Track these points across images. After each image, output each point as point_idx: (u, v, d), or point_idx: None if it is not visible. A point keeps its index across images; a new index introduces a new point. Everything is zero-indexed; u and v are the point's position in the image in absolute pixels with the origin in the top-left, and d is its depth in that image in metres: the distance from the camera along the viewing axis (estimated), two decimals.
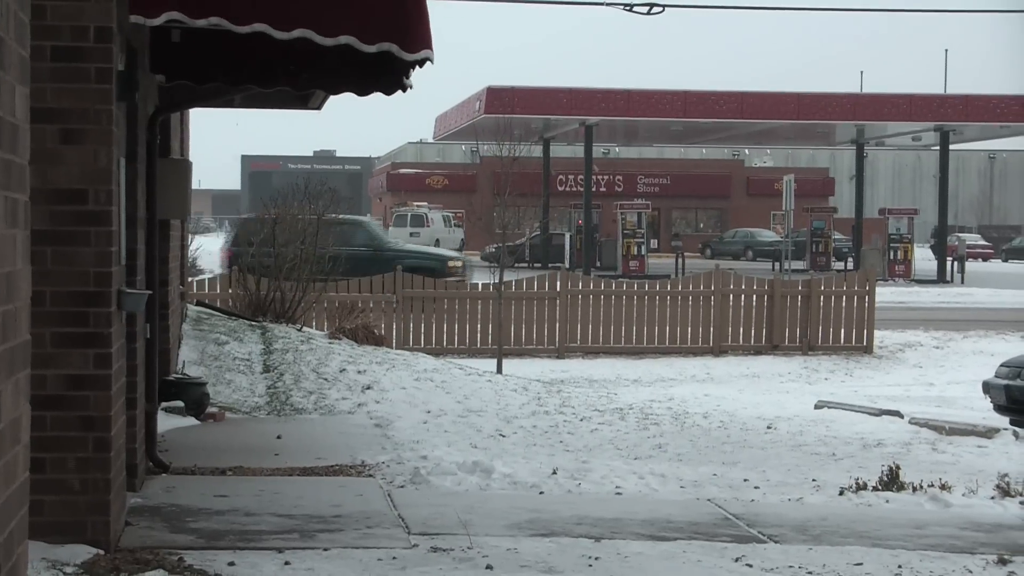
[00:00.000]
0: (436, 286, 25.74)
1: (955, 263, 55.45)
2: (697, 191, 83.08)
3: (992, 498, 10.67)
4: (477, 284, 25.94)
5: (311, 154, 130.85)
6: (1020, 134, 60.74)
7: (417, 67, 8.56)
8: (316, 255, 21.17)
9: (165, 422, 11.98)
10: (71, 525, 7.10)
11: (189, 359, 15.64)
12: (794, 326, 27.00)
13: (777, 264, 54.69)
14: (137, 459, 9.02)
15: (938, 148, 57.17)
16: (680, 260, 52.64)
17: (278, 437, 12.39)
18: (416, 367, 17.24)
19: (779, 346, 26.79)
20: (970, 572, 7.84)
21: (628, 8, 24.17)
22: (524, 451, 12.86)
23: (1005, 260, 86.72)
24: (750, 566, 7.71)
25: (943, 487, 10.75)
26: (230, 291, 22.52)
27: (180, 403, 12.97)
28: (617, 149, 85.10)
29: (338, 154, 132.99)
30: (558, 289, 26.12)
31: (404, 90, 9.36)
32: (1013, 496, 10.70)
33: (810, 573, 7.60)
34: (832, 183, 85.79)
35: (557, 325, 25.97)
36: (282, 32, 7.82)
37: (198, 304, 20.22)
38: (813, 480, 11.51)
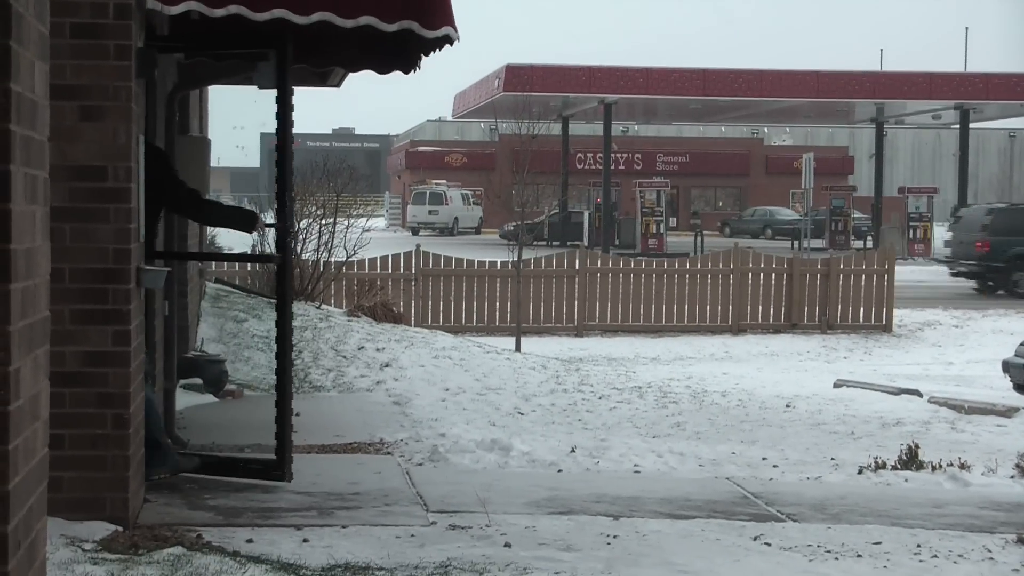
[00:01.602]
0: (454, 264, 25.73)
1: None
2: (716, 169, 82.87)
3: (1012, 477, 10.65)
4: (496, 262, 25.88)
5: (330, 132, 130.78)
6: None
7: (438, 48, 8.54)
8: None
9: (183, 399, 12.00)
10: (90, 502, 7.12)
11: (208, 336, 15.66)
12: (813, 305, 26.97)
13: (796, 243, 54.53)
14: None
15: (958, 127, 56.93)
16: (699, 238, 52.56)
17: (297, 414, 12.36)
18: (434, 345, 17.25)
19: (798, 325, 26.76)
20: (989, 551, 7.82)
21: None
22: (542, 429, 12.86)
23: None
24: (768, 544, 7.70)
25: (962, 466, 10.73)
26: (248, 268, 22.56)
27: (199, 380, 12.99)
28: (636, 127, 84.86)
29: (357, 132, 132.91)
30: (577, 267, 26.11)
31: (419, 68, 9.35)
32: None
33: (829, 552, 7.59)
34: (851, 161, 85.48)
35: (576, 303, 25.98)
36: (302, 17, 7.80)
37: (217, 282, 20.24)
38: (832, 459, 11.49)
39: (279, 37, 8.44)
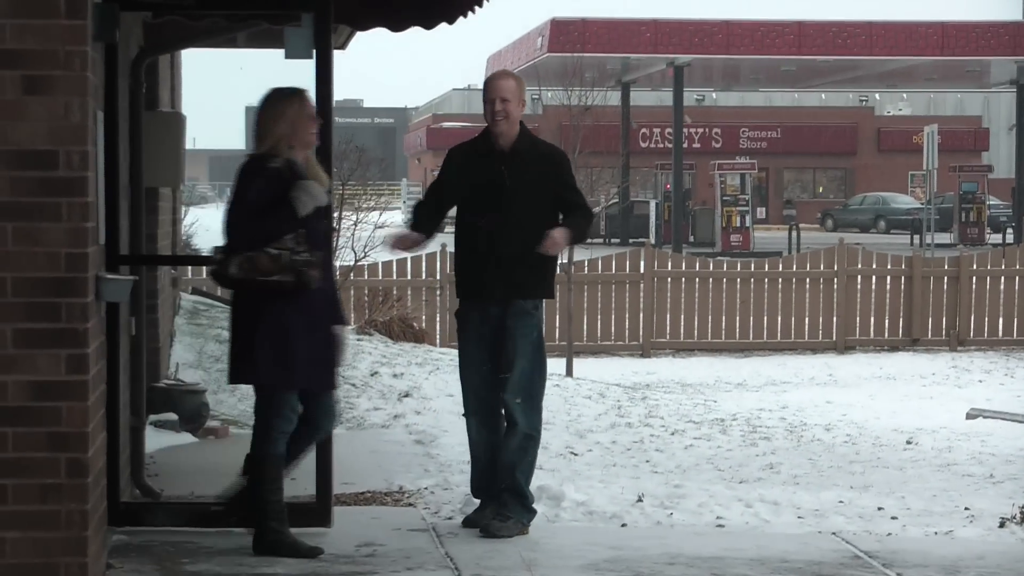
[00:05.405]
0: None
1: None
2: (815, 147, 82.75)
3: None
4: None
5: (333, 105, 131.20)
6: None
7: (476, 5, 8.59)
8: None
9: (155, 439, 12.03)
10: (40, 568, 7.13)
11: (184, 361, 15.71)
12: (939, 315, 26.85)
13: (917, 237, 54.40)
14: (121, 486, 9.06)
15: None
16: (794, 233, 52.46)
17: None
18: None
19: (920, 340, 26.65)
20: None
21: None
22: (601, 473, 12.85)
23: None
24: None
25: None
26: None
27: (173, 416, 13.02)
28: (714, 95, 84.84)
29: (366, 104, 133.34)
30: (642, 270, 26.07)
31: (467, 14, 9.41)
32: None
33: None
34: (986, 135, 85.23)
35: (641, 315, 25.94)
36: None
37: (194, 292, 20.30)
38: (966, 508, 11.44)
39: None
